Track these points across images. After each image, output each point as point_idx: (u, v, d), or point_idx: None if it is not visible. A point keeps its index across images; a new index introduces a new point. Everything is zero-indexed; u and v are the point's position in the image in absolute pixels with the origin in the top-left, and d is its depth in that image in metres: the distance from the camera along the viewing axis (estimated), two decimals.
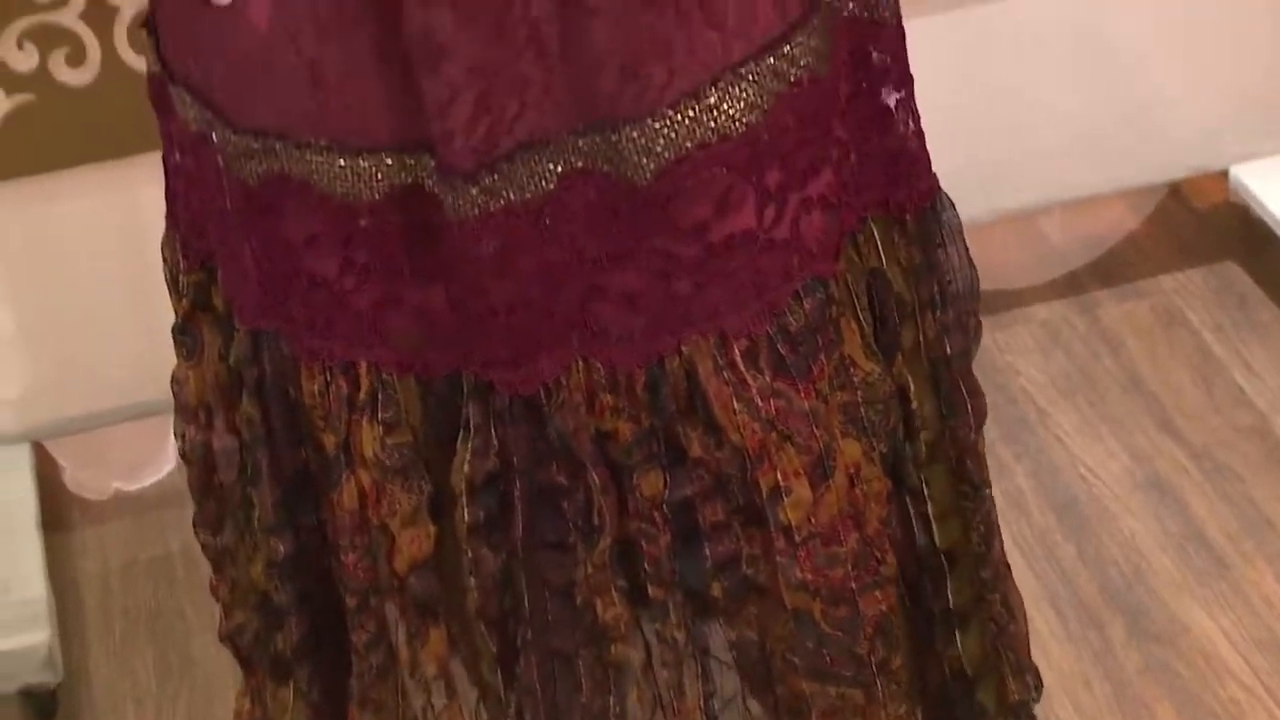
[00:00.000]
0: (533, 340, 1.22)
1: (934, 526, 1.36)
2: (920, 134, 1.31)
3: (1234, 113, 2.26)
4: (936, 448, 1.35)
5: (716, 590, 1.28)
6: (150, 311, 2.03)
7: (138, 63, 1.94)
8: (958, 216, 1.34)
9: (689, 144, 1.17)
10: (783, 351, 1.24)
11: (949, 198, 1.33)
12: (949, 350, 1.34)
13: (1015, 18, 2.17)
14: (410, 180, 1.19)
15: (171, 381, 1.39)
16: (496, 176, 1.17)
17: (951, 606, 1.39)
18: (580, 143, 1.17)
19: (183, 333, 1.36)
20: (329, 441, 1.28)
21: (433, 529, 1.29)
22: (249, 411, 1.31)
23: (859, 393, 1.28)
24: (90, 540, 2.23)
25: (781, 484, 1.25)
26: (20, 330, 2.08)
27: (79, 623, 2.12)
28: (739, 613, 1.30)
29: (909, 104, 1.30)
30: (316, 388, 1.27)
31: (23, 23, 1.91)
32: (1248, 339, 2.28)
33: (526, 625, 1.30)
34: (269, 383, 1.30)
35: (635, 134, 1.16)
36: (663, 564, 1.27)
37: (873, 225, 1.30)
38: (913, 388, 1.33)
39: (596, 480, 1.25)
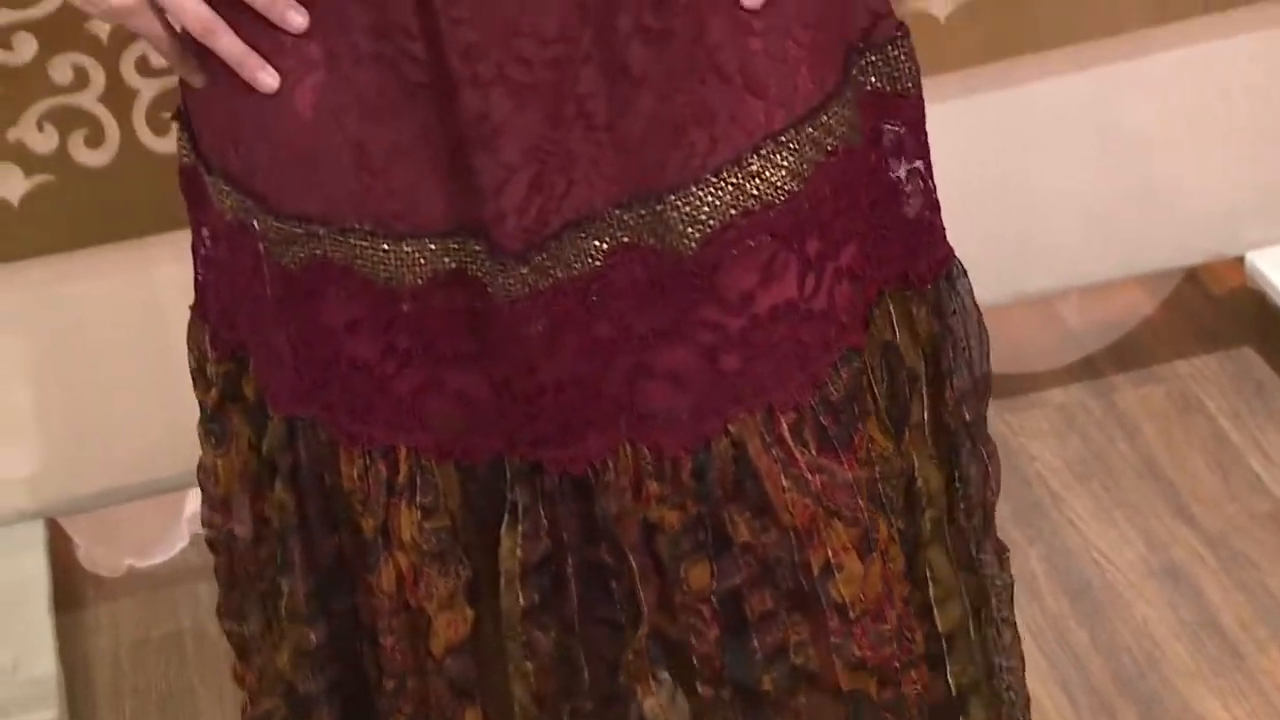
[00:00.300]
0: (581, 419, 1.23)
1: (935, 610, 1.36)
2: (936, 204, 1.32)
3: (1250, 199, 2.26)
4: (939, 527, 1.35)
5: (767, 683, 1.27)
6: (164, 390, 2.04)
7: (156, 144, 1.96)
8: (969, 281, 1.34)
9: (733, 211, 1.18)
10: (825, 423, 1.24)
11: (961, 264, 1.34)
12: (966, 416, 1.34)
13: (1032, 103, 2.18)
14: (453, 265, 1.20)
15: (198, 470, 1.39)
16: (545, 255, 1.18)
17: (954, 688, 1.39)
18: (626, 217, 1.19)
19: (211, 421, 1.37)
20: (367, 525, 1.28)
21: (470, 613, 1.29)
22: (282, 499, 1.31)
23: (877, 468, 1.28)
24: (103, 616, 2.24)
25: (832, 560, 1.25)
26: (36, 407, 2.09)
27: (89, 701, 2.12)
28: (789, 705, 1.29)
29: (926, 175, 1.31)
30: (356, 471, 1.27)
31: (43, 104, 1.92)
32: (1264, 426, 2.27)
33: (584, 698, 1.31)
34: (304, 469, 1.30)
35: (680, 202, 1.18)
36: (712, 660, 1.27)
37: (889, 299, 1.31)
38: (917, 465, 1.33)
39: (637, 569, 1.25)
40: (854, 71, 1.25)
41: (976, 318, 1.34)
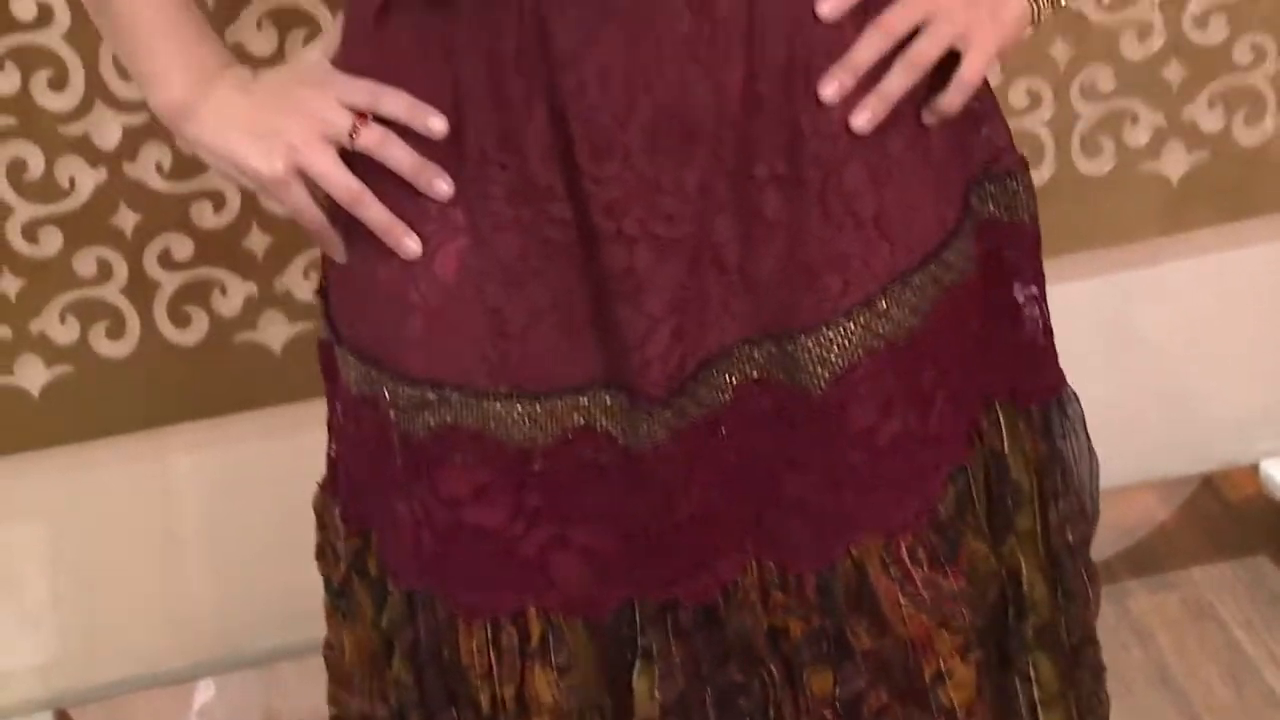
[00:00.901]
0: (711, 548, 1.25)
1: (1040, 711, 1.36)
2: (1049, 330, 1.36)
3: (1264, 407, 2.26)
4: (1045, 634, 1.36)
5: None
6: (178, 580, 2.04)
7: (176, 336, 1.98)
8: (1080, 407, 1.37)
9: (860, 351, 1.22)
10: (935, 541, 1.28)
11: (1072, 390, 1.35)
12: (1070, 539, 1.36)
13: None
14: (583, 422, 1.22)
15: (324, 647, 1.40)
16: (684, 397, 1.20)
17: None
18: (755, 353, 1.22)
19: (339, 597, 1.38)
20: (485, 699, 1.28)
21: None
22: (400, 675, 1.32)
23: (974, 573, 1.32)
24: None
25: (943, 668, 1.28)
26: (50, 596, 2.09)
27: None
28: None
29: (1040, 300, 1.35)
30: (476, 644, 1.28)
31: (66, 297, 1.94)
32: None
33: None
34: (423, 645, 1.30)
35: (811, 343, 1.21)
36: None
37: (999, 409, 1.33)
38: (1025, 572, 1.35)
39: (775, 675, 1.27)
40: (973, 201, 1.27)
41: (1086, 444, 1.38)
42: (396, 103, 1.20)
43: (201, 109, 1.25)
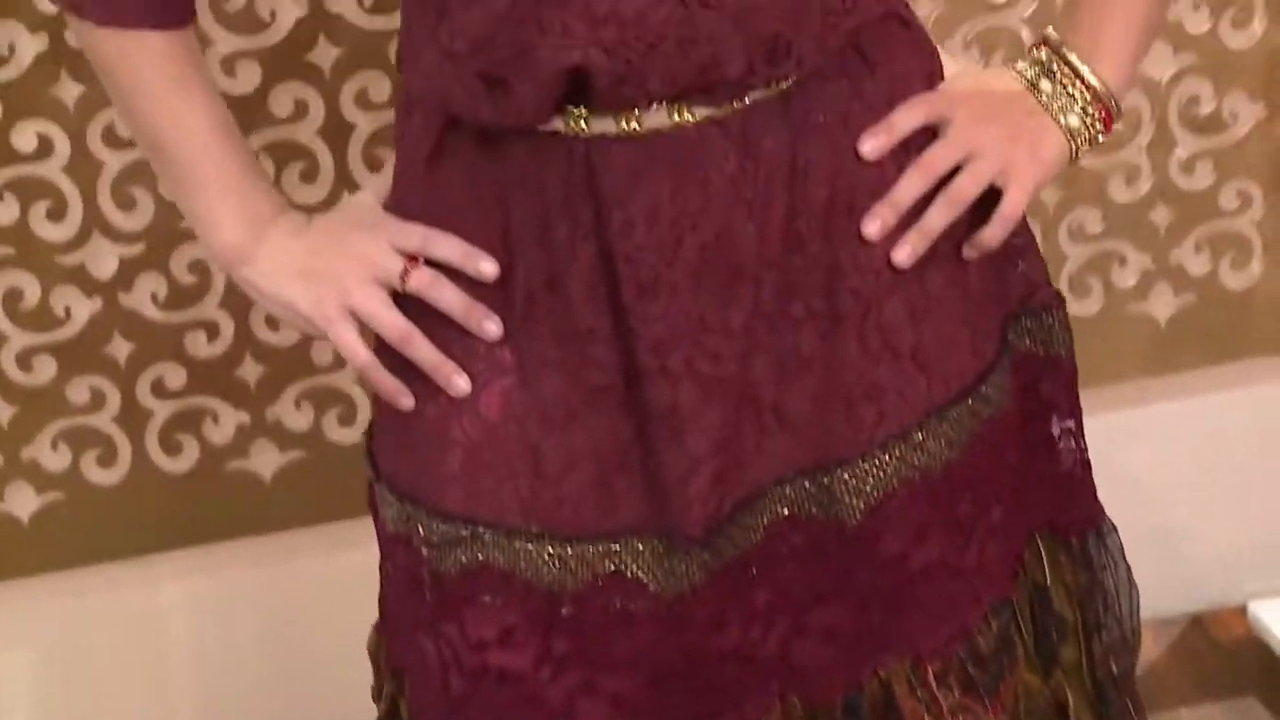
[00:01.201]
0: (737, 687, 1.25)
1: None
2: (1087, 462, 1.37)
3: (1252, 549, 2.26)
4: None
5: None
6: (167, 707, 2.04)
7: (166, 464, 1.99)
8: (1119, 538, 1.38)
9: (895, 482, 1.23)
10: (973, 672, 1.28)
11: (1111, 522, 1.37)
12: (1114, 669, 1.37)
13: None
14: (613, 568, 1.22)
15: None
16: (721, 538, 1.21)
17: None
18: (788, 490, 1.22)
19: None
20: None
21: None
22: None
23: (1020, 703, 1.32)
24: None
25: None
26: None
27: None
28: None
29: (1077, 433, 1.36)
30: None
31: (58, 424, 1.96)
32: None
33: None
34: None
35: (847, 475, 1.22)
36: None
37: (1039, 542, 1.35)
38: (1072, 703, 1.36)
39: None
40: (1010, 335, 1.29)
41: (1126, 574, 1.38)
42: (449, 247, 1.22)
43: (256, 253, 1.27)
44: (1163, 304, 2.18)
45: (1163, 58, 2.05)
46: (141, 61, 1.25)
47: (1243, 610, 2.35)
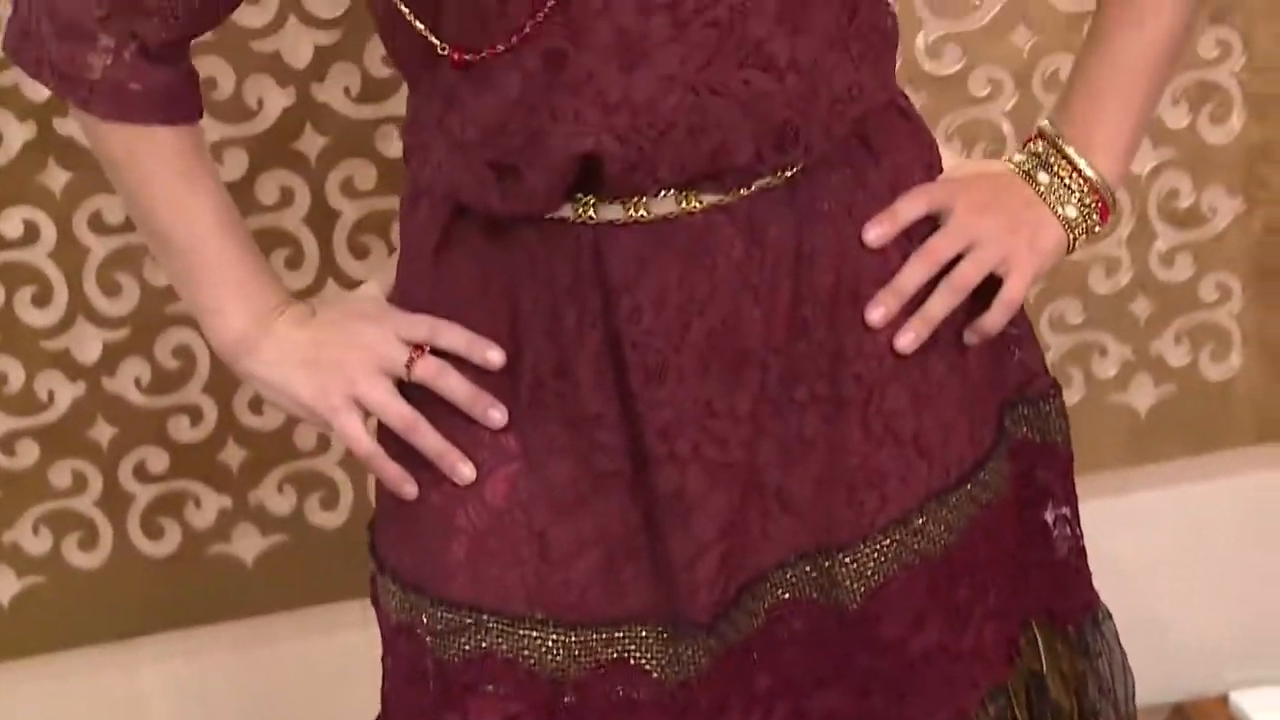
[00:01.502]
0: None
1: None
2: (1082, 550, 1.38)
3: (1232, 639, 2.27)
4: None
5: None
6: None
7: (148, 547, 1.99)
8: (1114, 624, 1.39)
9: (895, 566, 1.23)
10: None
11: (1107, 609, 1.38)
12: None
13: None
14: (616, 655, 1.22)
15: None
16: (725, 623, 1.21)
17: None
18: (788, 574, 1.23)
19: None
20: None
21: None
22: None
23: None
24: None
25: None
26: None
27: None
28: None
29: (1073, 520, 1.37)
30: None
31: (40, 508, 1.96)
32: None
33: None
34: None
35: (848, 559, 1.22)
36: None
37: (1036, 629, 1.35)
38: None
39: None
40: (1007, 423, 1.30)
41: (1121, 660, 1.38)
42: (455, 337, 1.22)
43: (261, 344, 1.27)
44: (1143, 394, 2.19)
45: (1142, 152, 2.07)
46: (149, 155, 1.24)
47: (1224, 700, 2.35)
